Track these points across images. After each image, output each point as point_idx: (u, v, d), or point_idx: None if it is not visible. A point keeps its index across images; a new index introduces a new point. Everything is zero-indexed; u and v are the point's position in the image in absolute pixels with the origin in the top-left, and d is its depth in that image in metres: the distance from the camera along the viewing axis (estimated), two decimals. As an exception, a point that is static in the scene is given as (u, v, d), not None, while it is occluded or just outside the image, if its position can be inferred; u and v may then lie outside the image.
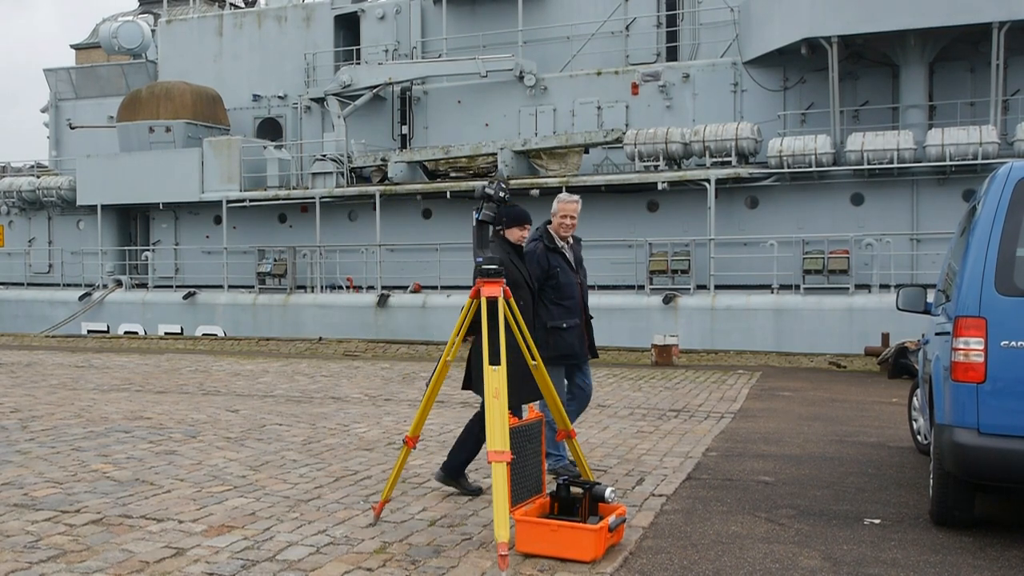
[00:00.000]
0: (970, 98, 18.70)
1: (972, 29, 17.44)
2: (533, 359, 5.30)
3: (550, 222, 6.75)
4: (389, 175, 22.45)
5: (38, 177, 26.85)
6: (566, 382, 6.84)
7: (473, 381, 5.95)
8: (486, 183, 5.25)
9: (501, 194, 5.09)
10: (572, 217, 6.68)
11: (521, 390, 5.83)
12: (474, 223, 5.18)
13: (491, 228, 5.27)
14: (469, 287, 5.33)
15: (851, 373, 15.30)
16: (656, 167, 19.61)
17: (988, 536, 5.37)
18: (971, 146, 17.17)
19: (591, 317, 6.98)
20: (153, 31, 28.61)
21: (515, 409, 5.83)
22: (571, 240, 6.83)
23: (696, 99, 20.98)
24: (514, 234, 6.09)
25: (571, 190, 20.30)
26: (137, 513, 5.61)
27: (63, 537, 5.10)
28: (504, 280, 5.13)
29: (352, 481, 6.58)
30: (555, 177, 20.57)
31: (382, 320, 21.30)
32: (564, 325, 6.62)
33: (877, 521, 5.68)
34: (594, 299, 22.62)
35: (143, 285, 25.13)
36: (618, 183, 20.15)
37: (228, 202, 23.67)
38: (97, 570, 4.55)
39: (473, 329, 5.69)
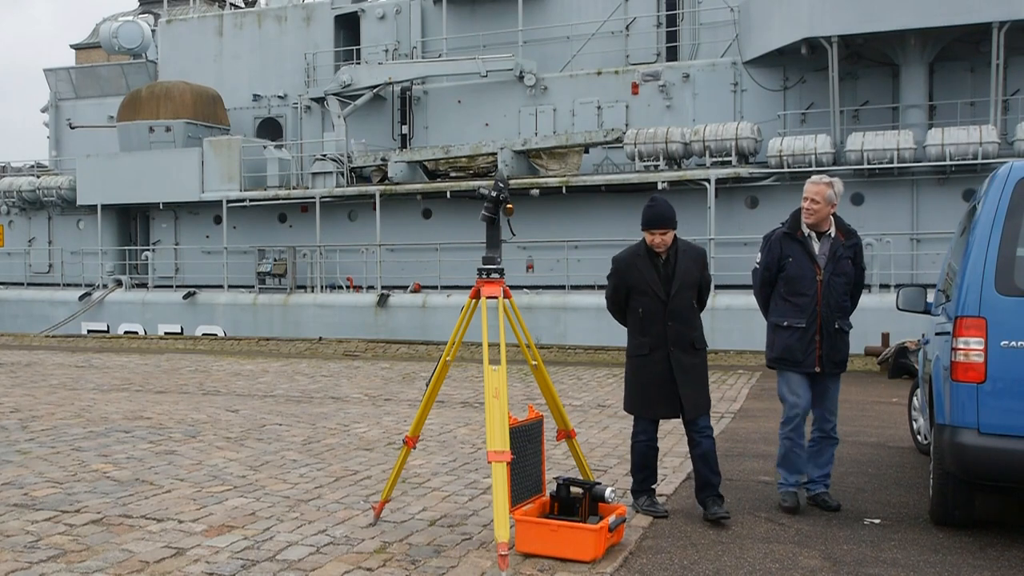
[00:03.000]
0: (970, 98, 18.70)
1: (972, 29, 17.43)
2: (533, 360, 5.29)
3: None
4: (389, 175, 22.44)
5: (38, 177, 26.84)
6: (807, 395, 5.87)
7: (630, 400, 5.79)
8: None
9: (493, 193, 5.12)
10: (814, 200, 5.82)
11: (640, 398, 5.67)
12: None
13: (499, 227, 5.25)
14: (469, 287, 5.34)
15: (851, 373, 15.25)
16: (656, 167, 19.61)
17: (988, 536, 5.37)
18: (971, 146, 17.16)
19: (843, 327, 5.86)
20: (153, 31, 28.62)
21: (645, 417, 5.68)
22: (829, 230, 5.91)
23: (696, 99, 20.98)
24: (649, 238, 5.71)
25: (571, 190, 20.35)
26: (137, 513, 5.61)
27: (63, 537, 5.10)
28: (504, 281, 5.13)
29: (352, 481, 6.58)
30: (555, 177, 20.57)
31: (382, 320, 21.30)
32: (784, 323, 5.85)
33: (877, 521, 5.68)
34: (593, 299, 22.58)
35: (143, 285, 25.12)
36: (618, 183, 20.15)
37: (228, 202, 23.66)
38: (97, 570, 4.55)
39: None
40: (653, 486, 5.84)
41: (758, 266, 6.07)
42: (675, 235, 5.76)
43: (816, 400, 5.92)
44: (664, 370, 5.56)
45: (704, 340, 5.75)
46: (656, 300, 5.60)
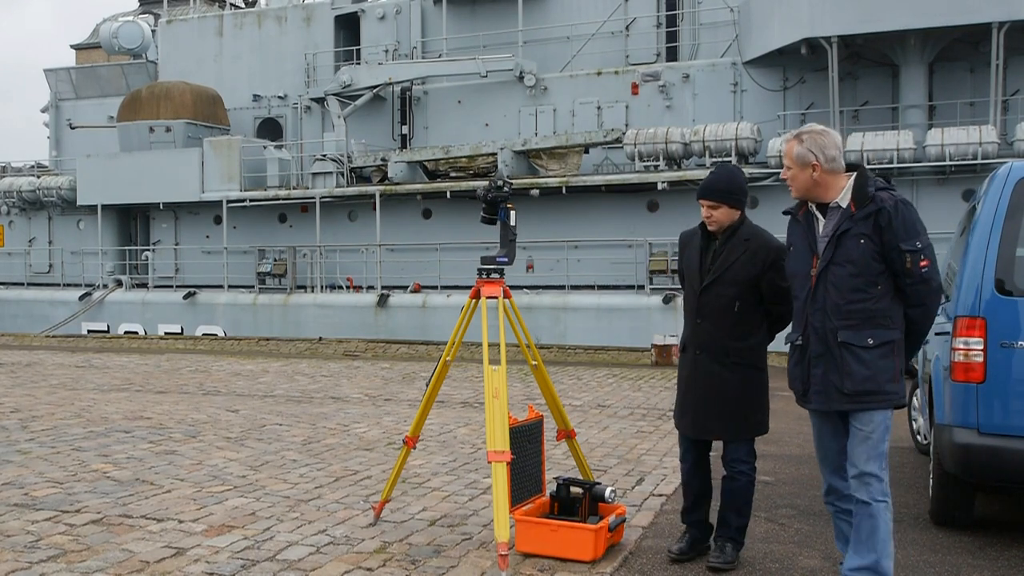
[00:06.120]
0: (970, 98, 18.71)
1: (972, 29, 17.44)
2: (533, 360, 5.28)
3: None
4: (389, 175, 22.45)
5: (38, 177, 26.84)
6: (832, 442, 4.21)
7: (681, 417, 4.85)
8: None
9: (483, 192, 5.13)
10: (785, 166, 4.24)
11: (675, 406, 4.96)
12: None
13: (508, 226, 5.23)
14: (469, 287, 5.33)
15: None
16: (656, 167, 19.61)
17: (988, 536, 5.37)
18: (971, 146, 17.17)
19: (852, 341, 3.94)
20: (153, 31, 28.63)
21: (687, 437, 4.82)
22: (837, 200, 4.03)
23: (696, 99, 20.98)
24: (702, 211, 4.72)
25: (571, 190, 20.34)
26: (137, 513, 5.62)
27: (63, 537, 5.10)
28: (504, 281, 5.11)
29: (352, 481, 6.58)
30: (555, 177, 20.57)
31: (382, 320, 21.30)
32: (787, 341, 4.30)
33: (877, 521, 5.68)
34: (593, 299, 22.51)
35: (143, 285, 25.12)
36: (618, 183, 20.15)
37: (228, 202, 23.67)
38: (97, 570, 4.56)
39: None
40: (696, 519, 4.84)
41: None
42: (743, 217, 4.68)
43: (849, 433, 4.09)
44: (688, 375, 4.77)
45: (750, 354, 4.64)
46: (691, 289, 4.76)
